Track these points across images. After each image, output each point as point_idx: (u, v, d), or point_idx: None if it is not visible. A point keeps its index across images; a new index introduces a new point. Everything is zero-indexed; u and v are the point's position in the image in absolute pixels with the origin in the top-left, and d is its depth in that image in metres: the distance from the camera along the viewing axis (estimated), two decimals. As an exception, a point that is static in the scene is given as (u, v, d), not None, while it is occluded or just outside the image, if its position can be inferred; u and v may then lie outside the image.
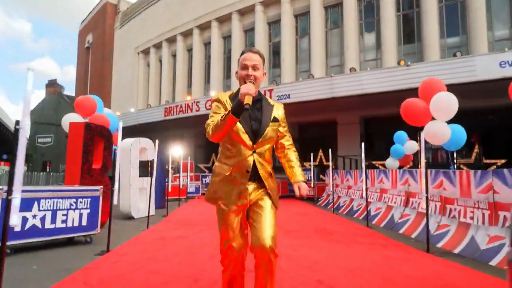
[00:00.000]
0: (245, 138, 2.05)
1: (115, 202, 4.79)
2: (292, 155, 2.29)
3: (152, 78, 25.66)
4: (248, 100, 1.86)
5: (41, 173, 31.05)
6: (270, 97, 13.81)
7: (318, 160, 16.50)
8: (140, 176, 8.90)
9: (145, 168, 10.02)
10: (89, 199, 5.03)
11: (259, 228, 2.04)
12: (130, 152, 8.44)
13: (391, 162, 10.38)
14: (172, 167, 20.43)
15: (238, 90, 2.04)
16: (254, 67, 2.09)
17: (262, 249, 1.97)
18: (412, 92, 11.47)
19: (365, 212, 8.17)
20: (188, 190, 14.73)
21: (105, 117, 10.21)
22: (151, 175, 7.12)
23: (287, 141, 2.30)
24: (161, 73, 24.89)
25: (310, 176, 14.66)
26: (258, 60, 2.12)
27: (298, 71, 17.76)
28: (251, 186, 2.12)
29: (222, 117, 1.93)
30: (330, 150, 9.82)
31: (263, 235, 2.00)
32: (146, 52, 26.61)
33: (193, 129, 20.82)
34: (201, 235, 6.11)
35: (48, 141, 44.01)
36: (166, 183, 10.65)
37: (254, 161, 2.07)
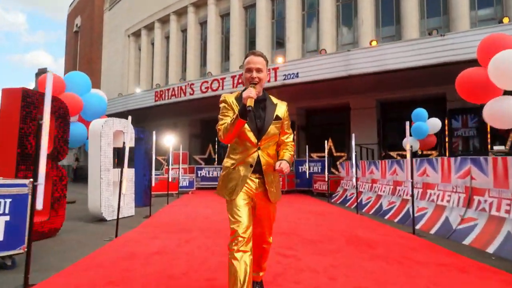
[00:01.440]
0: (250, 135, 2.21)
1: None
2: (289, 146, 2.40)
3: (144, 62, 23.66)
4: (250, 103, 2.02)
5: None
6: (275, 76, 11.96)
7: (327, 150, 14.66)
8: (116, 167, 7.07)
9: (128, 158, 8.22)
10: (8, 200, 3.19)
11: (259, 226, 2.39)
12: (100, 136, 6.58)
13: (410, 142, 8.60)
14: (165, 159, 18.62)
15: (242, 92, 2.21)
16: (258, 70, 2.24)
17: (261, 244, 2.46)
18: (447, 67, 9.82)
19: (403, 213, 6.38)
20: (181, 184, 12.90)
21: (75, 97, 8.34)
22: (121, 166, 5.28)
23: (288, 138, 2.42)
24: (153, 57, 22.90)
25: (318, 169, 12.87)
26: (261, 62, 2.26)
27: (305, 51, 15.85)
28: (257, 180, 2.27)
29: (231, 120, 2.12)
30: (352, 136, 7.97)
31: (263, 234, 2.43)
32: (137, 34, 24.57)
33: (188, 116, 18.94)
34: (190, 247, 4.31)
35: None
36: (151, 176, 8.83)
37: (258, 156, 2.24)
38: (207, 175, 15.18)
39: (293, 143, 2.44)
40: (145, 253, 4.08)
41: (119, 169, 7.03)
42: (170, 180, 9.36)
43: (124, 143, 5.31)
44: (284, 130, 2.39)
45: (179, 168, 11.81)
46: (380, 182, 8.05)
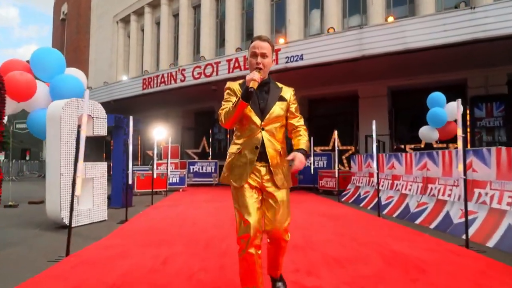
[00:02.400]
0: (253, 116, 2.14)
1: None
2: (302, 131, 2.27)
3: (133, 50, 22.14)
4: (253, 85, 1.99)
5: (20, 161, 27.65)
6: (276, 59, 10.59)
7: (331, 143, 13.38)
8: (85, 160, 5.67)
9: (98, 149, 6.90)
10: None
11: (272, 219, 2.15)
12: (60, 122, 5.20)
13: (428, 132, 7.36)
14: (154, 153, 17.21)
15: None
16: (263, 55, 2.17)
17: (275, 236, 2.19)
18: (478, 45, 8.50)
19: (440, 218, 5.10)
20: (170, 181, 11.54)
21: (24, 77, 6.80)
22: (76, 160, 3.92)
23: (298, 121, 2.30)
24: (143, 44, 21.37)
25: (324, 163, 11.57)
26: (267, 47, 2.18)
27: (307, 35, 14.46)
28: (263, 169, 2.16)
29: (233, 104, 2.07)
30: (373, 123, 6.65)
31: (276, 226, 2.15)
32: (126, 20, 23.01)
33: (180, 107, 17.53)
34: (167, 271, 2.95)
35: (26, 127, 40.32)
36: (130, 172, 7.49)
37: (262, 138, 2.13)
38: (200, 171, 13.84)
39: (305, 127, 2.30)
40: (99, 284, 2.73)
41: (91, 164, 5.68)
42: (155, 176, 8.00)
43: (79, 127, 3.92)
44: (293, 113, 2.29)
45: (167, 163, 10.44)
46: (404, 178, 6.75)
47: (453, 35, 8.04)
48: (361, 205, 7.82)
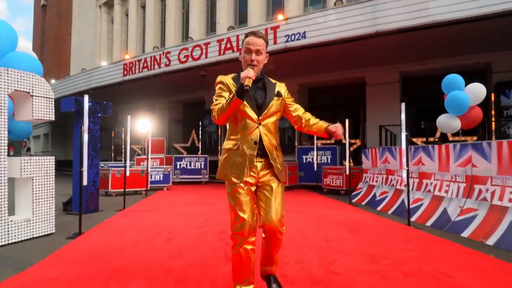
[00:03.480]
0: (250, 111, 2.12)
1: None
2: (309, 115, 2.32)
3: (117, 37, 20.49)
4: (248, 83, 1.95)
5: None
6: (275, 38, 9.16)
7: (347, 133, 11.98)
8: (16, 153, 4.19)
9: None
10: None
11: (267, 209, 2.12)
12: (-24, 98, 3.70)
13: (447, 121, 6.05)
14: (140, 147, 15.71)
15: (240, 73, 2.10)
16: (257, 52, 2.14)
17: (271, 228, 2.11)
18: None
19: (502, 230, 3.76)
20: (152, 179, 10.07)
21: None
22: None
23: (299, 110, 2.33)
24: (128, 30, 19.73)
25: (328, 159, 10.23)
26: (261, 44, 2.16)
27: (309, 9, 13.00)
28: (259, 164, 2.16)
29: (227, 100, 2.02)
30: (402, 106, 5.25)
31: (272, 217, 2.10)
32: (109, 4, 21.32)
33: (167, 97, 16.01)
34: None
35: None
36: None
37: (260, 133, 2.12)
38: (188, 167, 12.38)
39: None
40: None
41: (29, 158, 4.20)
42: (128, 173, 6.54)
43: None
44: (292, 105, 2.32)
45: (147, 158, 8.98)
46: (438, 177, 5.40)
47: (490, 3, 6.67)
48: (378, 208, 6.46)
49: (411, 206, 5.54)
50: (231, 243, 2.13)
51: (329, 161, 10.21)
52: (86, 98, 5.08)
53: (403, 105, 5.00)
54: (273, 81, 2.29)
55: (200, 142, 15.05)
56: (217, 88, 2.17)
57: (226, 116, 2.05)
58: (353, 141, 11.78)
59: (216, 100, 2.11)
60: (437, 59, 9.83)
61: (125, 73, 12.63)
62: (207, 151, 13.94)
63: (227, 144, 2.18)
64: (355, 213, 6.09)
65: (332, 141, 11.80)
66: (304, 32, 8.71)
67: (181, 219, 5.39)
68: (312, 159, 10.31)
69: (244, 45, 2.17)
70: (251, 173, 2.12)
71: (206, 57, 10.41)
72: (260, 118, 2.13)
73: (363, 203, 7.17)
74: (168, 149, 16.01)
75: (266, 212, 2.11)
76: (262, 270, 2.35)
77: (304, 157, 10.54)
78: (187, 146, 15.99)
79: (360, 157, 11.26)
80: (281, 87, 2.28)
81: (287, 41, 8.93)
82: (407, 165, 4.93)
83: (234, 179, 2.10)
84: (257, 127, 2.12)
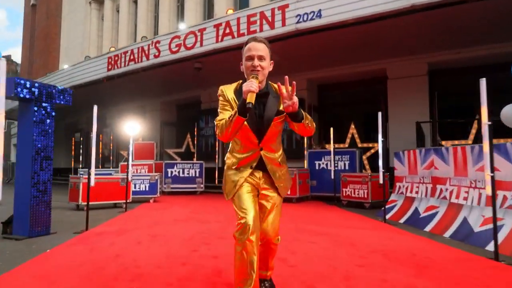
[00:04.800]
0: (251, 136, 2.03)
1: None
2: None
3: (107, 35, 19.01)
4: (251, 99, 1.79)
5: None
6: (283, 19, 7.64)
7: (348, 140, 10.44)
8: None
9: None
10: None
11: (264, 221, 2.11)
12: None
13: None
14: (127, 152, 14.07)
15: (242, 84, 2.00)
16: (260, 58, 1.99)
17: (266, 239, 2.14)
18: None
19: None
20: (136, 189, 8.44)
21: None
22: None
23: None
24: (119, 26, 18.27)
25: (345, 165, 8.65)
26: (264, 49, 2.01)
27: None
28: (258, 174, 2.11)
29: (229, 117, 1.91)
30: (484, 90, 3.63)
31: (267, 228, 2.12)
32: (99, 1, 19.91)
33: (158, 98, 14.45)
34: None
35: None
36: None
37: (261, 157, 2.08)
38: (180, 175, 10.75)
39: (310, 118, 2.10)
40: None
41: None
42: (92, 183, 4.91)
43: None
44: None
45: (128, 164, 7.35)
46: (525, 187, 3.79)
47: None
48: (426, 229, 4.84)
49: (478, 229, 3.91)
50: (233, 241, 2.02)
51: (346, 167, 8.60)
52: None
53: (483, 83, 3.38)
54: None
55: (195, 148, 13.45)
56: (219, 100, 2.07)
57: (230, 134, 1.94)
58: (371, 144, 10.22)
59: (220, 114, 2.03)
60: (475, 46, 8.29)
61: (110, 67, 11.08)
62: (204, 157, 12.34)
63: (229, 158, 2.17)
64: (400, 237, 4.45)
65: (346, 145, 10.23)
66: (320, 11, 7.18)
67: (159, 249, 3.75)
68: (327, 165, 8.70)
69: (245, 53, 2.02)
70: (251, 179, 2.10)
71: (201, 45, 8.87)
72: (260, 144, 2.05)
73: (402, 221, 5.54)
74: (160, 155, 14.40)
75: (263, 223, 2.11)
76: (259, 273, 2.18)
77: (316, 163, 8.93)
78: (181, 151, 14.40)
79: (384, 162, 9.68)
80: None
81: (298, 21, 7.39)
82: (492, 170, 3.31)
83: (235, 189, 2.08)
84: (258, 152, 2.07)
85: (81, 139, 18.62)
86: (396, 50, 8.84)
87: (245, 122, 1.93)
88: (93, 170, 4.86)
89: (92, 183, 4.87)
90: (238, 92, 2.02)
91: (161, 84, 12.38)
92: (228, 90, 2.05)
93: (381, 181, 5.58)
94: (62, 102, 4.99)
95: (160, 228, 5.00)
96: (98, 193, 7.30)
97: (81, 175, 7.42)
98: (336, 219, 5.89)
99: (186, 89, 13.21)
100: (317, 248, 3.77)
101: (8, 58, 46.31)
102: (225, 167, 2.19)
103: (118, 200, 7.54)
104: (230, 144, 2.18)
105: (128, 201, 7.63)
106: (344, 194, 7.61)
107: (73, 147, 18.87)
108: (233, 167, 2.11)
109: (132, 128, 12.91)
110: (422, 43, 8.34)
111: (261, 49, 1.99)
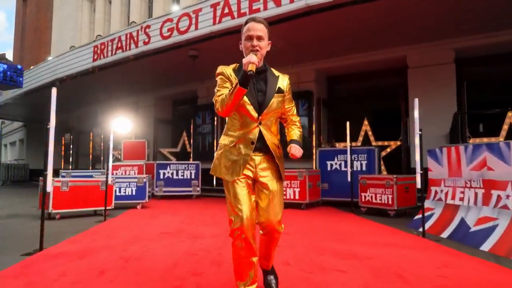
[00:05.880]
0: (251, 109, 2.05)
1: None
2: (297, 123, 2.28)
3: (99, 26, 17.87)
4: (251, 68, 1.85)
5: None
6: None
7: (361, 137, 9.33)
8: None
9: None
10: None
11: (266, 209, 2.09)
12: None
13: None
14: (118, 152, 12.96)
15: (241, 64, 2.00)
16: (259, 38, 2.04)
17: (269, 228, 2.12)
18: None
19: None
20: (121, 193, 7.33)
21: None
22: None
23: (292, 110, 2.29)
24: (111, 19, 17.15)
25: (362, 165, 7.55)
26: (262, 29, 2.06)
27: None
28: (257, 157, 2.11)
29: (230, 90, 1.94)
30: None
31: (270, 217, 2.09)
32: (92, -8, 18.79)
33: (152, 92, 13.33)
34: None
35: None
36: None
37: (260, 132, 2.08)
38: (174, 177, 9.62)
39: (298, 118, 2.29)
40: None
41: None
42: (49, 189, 3.78)
43: None
44: (289, 103, 2.25)
45: (106, 165, 6.21)
46: None
47: None
48: (483, 248, 3.72)
49: None
50: (231, 240, 2.05)
51: (363, 168, 7.48)
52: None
53: None
54: (277, 73, 2.19)
55: (191, 148, 12.32)
56: (218, 79, 2.10)
57: (230, 107, 1.96)
58: (386, 143, 9.10)
59: (218, 91, 2.05)
60: (509, 29, 7.18)
61: (96, 57, 9.95)
62: (200, 157, 11.22)
63: (224, 139, 2.14)
64: (458, 262, 3.32)
65: (359, 143, 9.12)
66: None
67: (126, 286, 2.63)
68: (341, 165, 7.58)
69: (245, 33, 2.07)
70: (249, 167, 2.08)
71: (196, 28, 7.74)
72: (260, 117, 2.06)
73: (444, 235, 4.41)
74: (154, 155, 13.29)
75: (264, 211, 2.08)
76: (260, 262, 2.29)
77: (328, 163, 7.81)
78: (177, 151, 13.28)
79: (398, 162, 8.58)
80: (284, 80, 2.18)
81: (307, -6, 6.27)
82: None
83: (225, 177, 2.07)
84: (257, 126, 2.07)
85: (71, 137, 17.52)
86: (419, 35, 7.73)
87: (245, 97, 1.97)
88: (50, 172, 3.73)
89: (49, 188, 3.75)
90: (237, 70, 2.07)
91: (154, 76, 11.26)
92: (227, 69, 2.09)
93: (419, 185, 4.44)
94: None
95: (138, 246, 3.87)
96: (73, 199, 6.20)
97: (63, 177, 6.31)
98: (361, 233, 4.76)
99: (182, 83, 12.09)
100: (351, 282, 2.65)
101: (2, 57, 45.31)
102: (217, 149, 2.14)
103: (99, 207, 6.42)
104: (226, 125, 2.15)
105: (109, 208, 6.52)
106: (363, 200, 6.49)
107: (63, 147, 17.73)
108: (231, 145, 2.07)
109: (122, 125, 11.75)
110: (449, 25, 7.23)
111: (260, 29, 2.03)
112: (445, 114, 7.70)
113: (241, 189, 2.03)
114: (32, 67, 13.53)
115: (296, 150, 2.04)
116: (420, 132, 4.46)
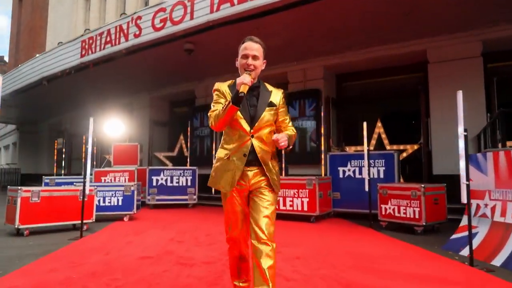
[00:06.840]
0: (243, 123, 2.11)
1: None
2: (290, 128, 2.28)
3: (94, 26, 17.04)
4: (243, 89, 1.96)
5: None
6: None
7: (374, 140, 8.41)
8: None
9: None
10: None
11: (257, 219, 2.08)
12: None
13: None
14: (109, 156, 12.09)
15: (236, 79, 2.09)
16: (254, 57, 2.13)
17: (258, 242, 2.04)
18: None
19: None
20: (105, 204, 6.44)
21: None
22: None
23: (288, 121, 2.29)
24: (106, 17, 16.37)
25: (380, 172, 6.65)
26: (258, 49, 2.15)
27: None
28: (251, 172, 2.14)
29: (223, 107, 2.04)
30: None
31: (260, 229, 2.05)
32: (87, -11, 18.05)
33: (147, 92, 12.48)
34: None
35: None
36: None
37: (252, 145, 2.11)
38: (168, 184, 8.73)
39: (293, 128, 2.31)
40: None
41: None
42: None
43: None
44: (283, 116, 2.26)
45: (85, 171, 5.31)
46: None
47: None
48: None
49: None
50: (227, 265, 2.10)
51: (381, 175, 6.58)
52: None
53: None
54: (270, 88, 2.25)
55: (189, 151, 11.45)
56: (214, 95, 2.20)
57: (222, 123, 2.07)
58: (402, 147, 8.19)
59: (213, 106, 2.15)
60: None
61: (84, 52, 9.12)
62: (198, 162, 10.33)
63: (220, 152, 2.21)
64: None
65: (371, 148, 8.21)
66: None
67: None
68: (354, 172, 6.68)
69: (241, 51, 2.16)
70: (241, 182, 2.12)
71: (191, 17, 6.90)
72: (252, 130, 2.11)
73: (496, 262, 3.50)
74: (149, 160, 12.41)
75: (255, 222, 2.07)
76: None
77: (340, 169, 6.90)
78: (173, 155, 12.39)
79: (416, 169, 7.68)
80: (277, 95, 2.23)
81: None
82: None
83: (222, 189, 2.15)
84: (250, 139, 2.11)
85: (64, 141, 16.66)
86: (441, 26, 6.86)
87: (238, 112, 2.06)
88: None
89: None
90: (232, 87, 2.17)
91: (148, 75, 10.42)
92: (223, 85, 2.21)
93: (464, 199, 3.52)
94: None
95: (104, 281, 2.96)
96: (46, 211, 5.32)
97: (46, 184, 5.43)
98: (391, 257, 3.85)
99: (178, 82, 11.25)
100: None
101: (1, 59, 44.70)
102: (215, 162, 2.22)
103: (77, 221, 5.53)
104: (222, 139, 2.24)
105: (89, 221, 5.64)
106: (383, 213, 5.57)
107: (55, 151, 16.89)
108: (226, 158, 2.14)
109: (114, 128, 10.86)
110: (476, 14, 6.36)
111: (256, 48, 2.13)
112: (472, 115, 6.78)
113: (237, 206, 2.14)
114: (19, 65, 12.71)
115: (280, 136, 2.03)
116: (466, 133, 3.55)
